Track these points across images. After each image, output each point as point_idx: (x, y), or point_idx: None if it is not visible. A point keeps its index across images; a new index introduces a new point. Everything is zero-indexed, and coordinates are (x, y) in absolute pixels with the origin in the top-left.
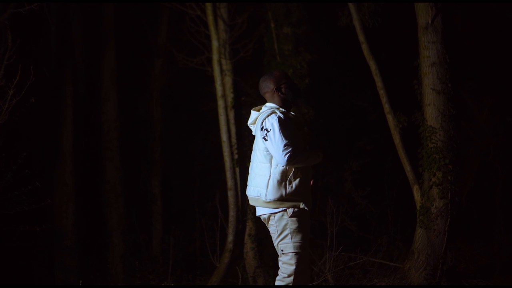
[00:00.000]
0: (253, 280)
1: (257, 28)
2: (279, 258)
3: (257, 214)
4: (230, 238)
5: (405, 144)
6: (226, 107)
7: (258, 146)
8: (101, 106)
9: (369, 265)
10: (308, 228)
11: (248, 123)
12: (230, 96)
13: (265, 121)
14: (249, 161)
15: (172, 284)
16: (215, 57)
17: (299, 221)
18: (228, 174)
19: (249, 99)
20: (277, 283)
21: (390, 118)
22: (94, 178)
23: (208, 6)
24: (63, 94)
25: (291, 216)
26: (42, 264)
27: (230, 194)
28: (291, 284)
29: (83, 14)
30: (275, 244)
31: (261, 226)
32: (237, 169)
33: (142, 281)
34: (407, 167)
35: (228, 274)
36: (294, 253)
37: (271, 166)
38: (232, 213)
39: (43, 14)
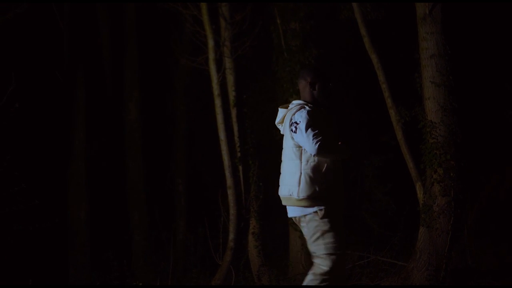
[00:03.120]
0: (258, 278)
1: (256, 25)
2: (313, 260)
3: (289, 215)
4: (231, 236)
5: (408, 140)
6: (222, 106)
7: (288, 144)
8: (124, 106)
9: (383, 264)
10: (341, 228)
11: (276, 122)
12: (232, 94)
13: (294, 116)
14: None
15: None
16: (211, 56)
17: (330, 222)
18: (227, 173)
19: (254, 96)
20: (309, 282)
21: (392, 113)
22: (117, 176)
23: (203, 6)
24: (75, 97)
25: (322, 218)
26: (56, 262)
27: (230, 192)
28: (324, 284)
29: (109, 15)
30: (308, 245)
31: (265, 224)
32: (240, 167)
33: (161, 278)
34: (410, 164)
35: (233, 272)
36: (326, 254)
37: (301, 162)
38: (232, 211)
39: (56, 18)
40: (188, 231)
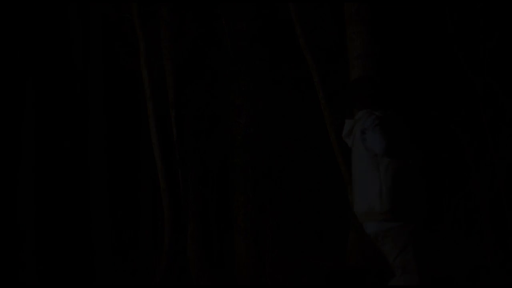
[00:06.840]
0: (197, 281)
1: (198, 25)
2: (399, 277)
3: (367, 231)
4: (166, 240)
5: (342, 142)
6: (154, 109)
7: (361, 157)
8: (89, 106)
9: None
10: (426, 242)
11: (343, 135)
12: (170, 97)
13: (364, 124)
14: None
15: None
16: (142, 58)
17: (420, 234)
18: (160, 176)
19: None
20: None
21: (326, 114)
22: (80, 177)
23: (134, 7)
24: (25, 99)
25: (412, 230)
26: (5, 264)
27: (164, 195)
28: None
29: (80, 9)
30: (393, 261)
31: (204, 227)
32: (179, 170)
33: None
34: (343, 166)
35: (171, 276)
36: (418, 270)
37: (380, 172)
38: (167, 215)
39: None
40: (158, 232)
